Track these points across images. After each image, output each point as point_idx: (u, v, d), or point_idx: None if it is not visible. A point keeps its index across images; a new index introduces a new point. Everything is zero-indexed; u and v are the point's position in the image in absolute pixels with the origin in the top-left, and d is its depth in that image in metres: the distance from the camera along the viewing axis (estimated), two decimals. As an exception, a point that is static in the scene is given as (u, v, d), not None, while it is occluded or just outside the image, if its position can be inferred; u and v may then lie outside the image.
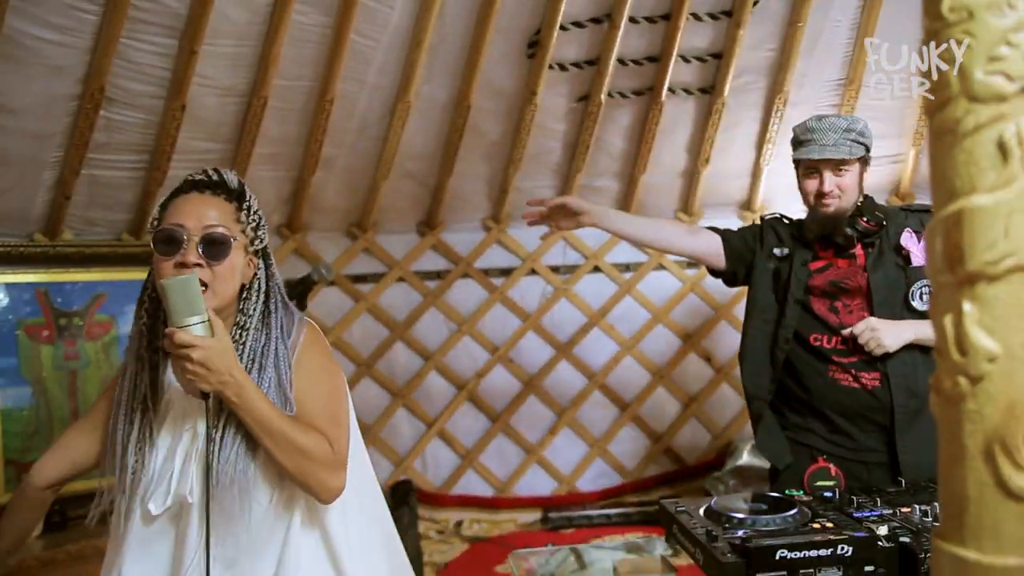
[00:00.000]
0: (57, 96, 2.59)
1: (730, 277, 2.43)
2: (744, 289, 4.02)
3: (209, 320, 1.31)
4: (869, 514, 1.64)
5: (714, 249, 2.34)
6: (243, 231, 1.46)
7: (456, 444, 3.96)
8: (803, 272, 2.21)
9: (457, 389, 3.93)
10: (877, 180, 3.58)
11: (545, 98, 3.38)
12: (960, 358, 0.79)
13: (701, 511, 1.68)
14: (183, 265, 1.37)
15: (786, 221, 2.36)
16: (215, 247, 1.39)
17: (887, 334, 2.07)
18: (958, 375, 0.80)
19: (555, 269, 4.02)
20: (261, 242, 1.49)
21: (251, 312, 1.45)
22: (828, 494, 1.75)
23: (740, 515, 1.61)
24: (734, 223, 4.03)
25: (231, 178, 1.51)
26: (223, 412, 1.37)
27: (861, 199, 2.15)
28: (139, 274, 3.07)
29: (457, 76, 3.24)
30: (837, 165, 2.11)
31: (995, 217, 0.77)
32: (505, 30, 3.12)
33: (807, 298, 2.20)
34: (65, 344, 3.00)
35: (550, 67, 3.26)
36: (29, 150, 2.72)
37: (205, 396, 1.34)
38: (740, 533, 1.52)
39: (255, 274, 1.47)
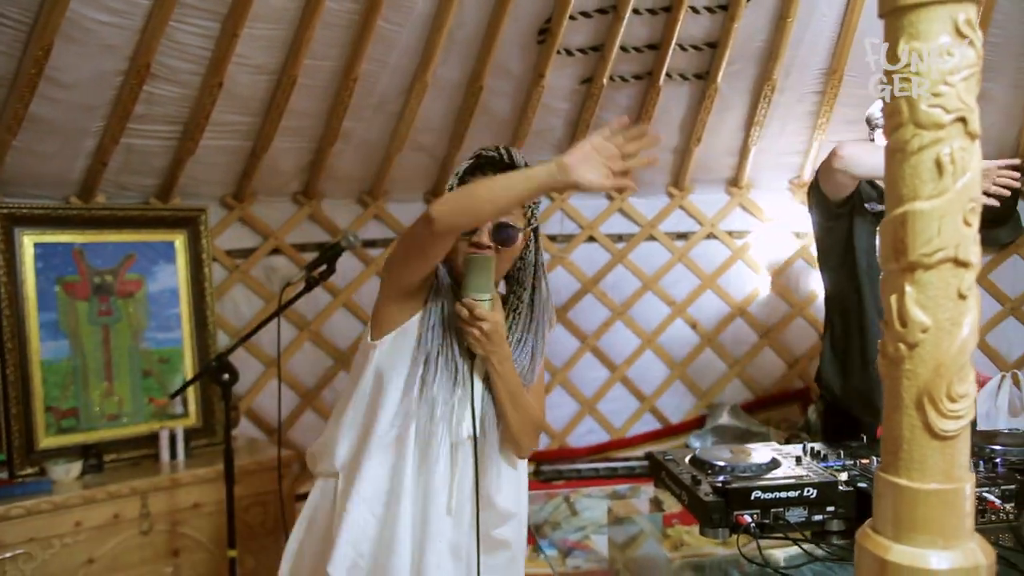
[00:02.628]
0: (106, 72, 2.74)
1: (838, 213, 2.44)
2: (727, 260, 4.26)
3: (492, 299, 1.54)
4: (834, 463, 1.85)
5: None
6: (524, 213, 1.65)
7: (456, 401, 4.16)
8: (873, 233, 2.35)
9: (458, 350, 4.13)
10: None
11: (552, 80, 3.54)
12: (901, 329, 0.99)
13: (687, 460, 1.90)
14: (477, 246, 1.58)
15: None
16: (504, 235, 1.59)
17: None
18: (899, 342, 1.00)
19: (552, 238, 4.20)
20: (536, 220, 1.68)
21: (525, 285, 1.68)
22: (800, 445, 1.98)
23: (721, 463, 1.83)
24: (722, 198, 4.30)
25: (519, 159, 1.64)
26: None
27: None
28: (166, 236, 3.33)
29: (472, 59, 3.40)
30: None
31: (931, 219, 0.96)
32: (518, 18, 3.28)
33: None
34: (99, 300, 3.17)
35: (558, 52, 3.42)
36: (75, 120, 2.87)
37: (472, 356, 1.59)
38: (721, 478, 1.74)
39: (527, 245, 1.68)
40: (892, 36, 1.03)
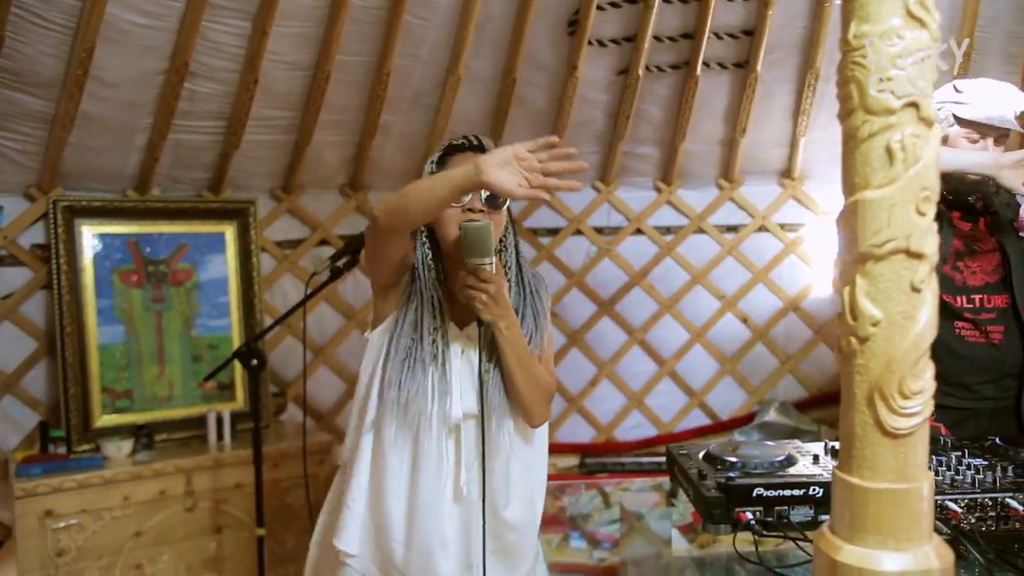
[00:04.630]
0: (148, 71, 2.88)
1: None
2: (779, 253, 4.16)
3: (494, 262, 1.58)
4: None
5: None
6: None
7: (503, 392, 4.20)
8: (949, 233, 2.24)
9: (505, 341, 4.16)
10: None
11: (586, 71, 3.52)
12: (852, 322, 0.96)
13: (700, 455, 1.89)
14: (471, 211, 1.63)
15: None
16: (494, 200, 1.65)
17: None
18: (850, 336, 0.97)
19: (599, 230, 4.18)
20: (508, 200, 1.72)
21: (509, 265, 1.73)
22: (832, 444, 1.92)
23: (732, 458, 1.80)
24: (774, 190, 4.19)
25: (489, 144, 1.72)
26: (494, 349, 1.66)
27: None
28: (217, 227, 3.47)
29: (503, 52, 3.42)
30: (1001, 136, 2.17)
31: (881, 208, 0.93)
32: (546, 11, 3.27)
33: None
34: (152, 288, 3.32)
35: (589, 43, 3.40)
36: (123, 117, 3.02)
37: (480, 324, 1.62)
38: (728, 474, 1.72)
39: (507, 228, 1.74)
40: (845, 19, 1.01)
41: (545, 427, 1.87)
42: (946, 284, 2.26)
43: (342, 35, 3.01)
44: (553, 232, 4.16)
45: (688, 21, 3.47)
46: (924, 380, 0.98)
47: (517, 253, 1.75)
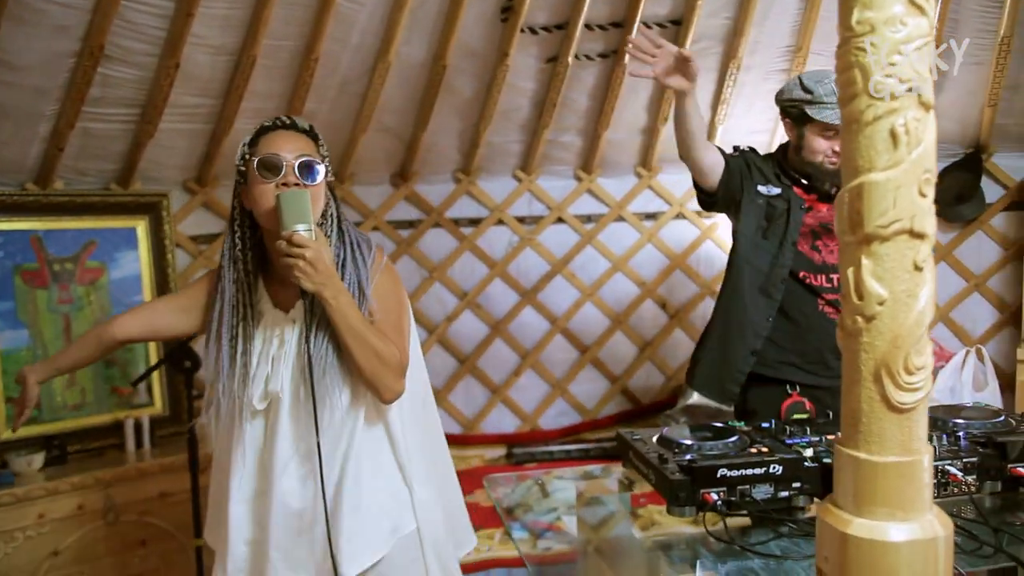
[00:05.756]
0: (58, 53, 2.68)
1: (710, 202, 2.45)
2: (696, 239, 4.29)
3: (313, 229, 1.53)
4: (800, 440, 1.86)
5: (715, 170, 2.36)
6: (322, 163, 1.66)
7: (426, 384, 4.14)
8: (800, 215, 2.30)
9: (427, 332, 4.10)
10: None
11: (516, 59, 3.51)
12: (858, 301, 0.98)
13: (654, 439, 1.90)
14: (284, 185, 1.58)
15: (760, 156, 2.45)
16: (309, 170, 1.59)
17: None
18: (856, 315, 0.99)
19: (521, 219, 4.19)
20: (331, 175, 1.68)
21: (328, 233, 1.66)
22: (765, 424, 1.99)
23: (688, 441, 1.82)
24: (691, 177, 4.27)
25: (303, 122, 1.70)
26: (315, 315, 1.59)
27: None
28: (127, 222, 3.26)
29: (434, 38, 3.36)
30: None
31: (886, 190, 0.95)
32: (480, -4, 3.24)
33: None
34: (59, 288, 3.11)
35: (521, 31, 3.39)
36: (27, 104, 2.80)
37: (304, 295, 1.55)
38: (688, 456, 1.74)
39: (328, 202, 1.68)
40: (846, 5, 1.02)
41: (422, 405, 1.83)
42: (805, 263, 2.33)
43: (271, 18, 2.88)
44: (475, 222, 4.14)
45: (618, 10, 3.50)
46: (926, 355, 1.02)
47: (339, 220, 1.71)
